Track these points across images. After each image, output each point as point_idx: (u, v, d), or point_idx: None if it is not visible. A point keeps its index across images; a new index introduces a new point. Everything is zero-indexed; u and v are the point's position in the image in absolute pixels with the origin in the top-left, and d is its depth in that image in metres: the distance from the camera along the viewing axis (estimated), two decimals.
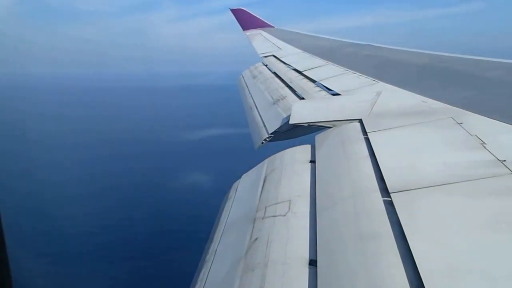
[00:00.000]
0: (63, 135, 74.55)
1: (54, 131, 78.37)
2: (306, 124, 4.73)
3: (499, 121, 3.52)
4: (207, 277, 2.75)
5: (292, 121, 4.88)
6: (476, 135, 3.25)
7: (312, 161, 3.75)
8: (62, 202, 40.85)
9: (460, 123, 3.58)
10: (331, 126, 4.49)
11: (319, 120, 4.64)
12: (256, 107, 7.50)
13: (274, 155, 4.19)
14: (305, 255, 2.41)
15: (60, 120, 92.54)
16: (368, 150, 3.43)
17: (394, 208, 2.41)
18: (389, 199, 2.54)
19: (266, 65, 11.06)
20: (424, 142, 3.45)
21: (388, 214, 2.41)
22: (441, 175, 2.72)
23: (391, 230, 2.25)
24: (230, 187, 4.21)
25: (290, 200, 3.09)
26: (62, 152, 61.97)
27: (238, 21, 18.71)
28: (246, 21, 18.61)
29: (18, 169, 49.06)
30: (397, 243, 2.13)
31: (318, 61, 9.15)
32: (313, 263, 2.32)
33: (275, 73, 9.58)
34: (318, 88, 6.85)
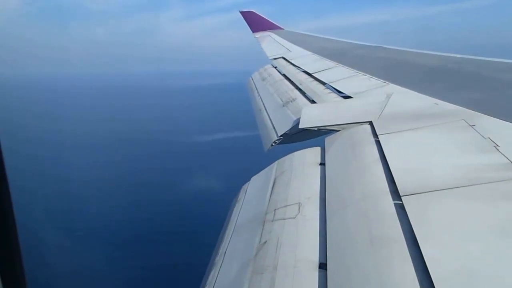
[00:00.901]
0: (73, 136, 75.48)
1: (65, 131, 79.46)
2: (316, 129, 4.71)
3: None
4: (216, 279, 2.76)
5: (302, 125, 4.86)
6: (489, 138, 3.20)
7: (322, 164, 3.73)
8: (72, 202, 41.42)
9: (472, 125, 3.53)
10: (341, 129, 4.46)
11: (329, 124, 4.62)
12: (266, 109, 7.51)
13: (283, 158, 4.18)
14: (315, 258, 2.40)
15: (71, 120, 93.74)
16: (379, 153, 3.40)
17: (405, 212, 2.38)
18: (400, 202, 2.51)
19: (275, 67, 11.07)
20: (435, 144, 3.41)
21: (399, 217, 2.39)
22: (453, 178, 2.68)
23: (402, 234, 2.22)
24: (239, 189, 4.22)
25: (299, 203, 3.08)
26: (72, 152, 62.74)
27: (248, 23, 18.78)
28: (256, 23, 18.67)
29: (31, 169, 49.83)
30: (408, 247, 2.11)
31: (328, 63, 9.12)
32: (322, 266, 2.31)
33: (284, 75, 9.58)
34: (328, 90, 6.82)
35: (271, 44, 15.02)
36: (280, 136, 5.64)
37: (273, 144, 5.61)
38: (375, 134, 3.87)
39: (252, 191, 3.97)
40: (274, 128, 6.16)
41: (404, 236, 2.20)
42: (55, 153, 61.16)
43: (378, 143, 3.64)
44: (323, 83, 7.35)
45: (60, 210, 39.28)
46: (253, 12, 19.50)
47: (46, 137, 72.96)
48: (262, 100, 8.45)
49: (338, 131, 4.45)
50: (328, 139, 4.26)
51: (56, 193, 44.00)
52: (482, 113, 3.81)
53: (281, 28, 18.37)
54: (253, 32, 18.18)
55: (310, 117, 5.07)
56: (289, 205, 3.12)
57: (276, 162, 4.17)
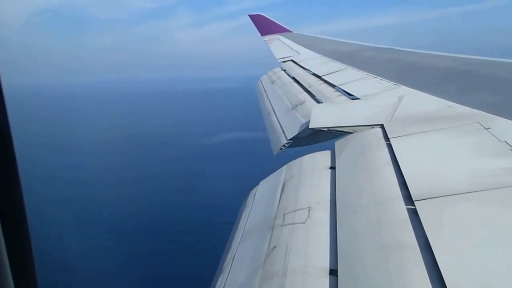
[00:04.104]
0: (85, 141, 76.53)
1: (77, 136, 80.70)
2: (325, 129, 4.65)
3: None
4: (224, 285, 2.72)
5: (311, 125, 4.81)
6: (505, 141, 3.11)
7: (332, 168, 3.68)
8: (84, 205, 42.00)
9: (487, 128, 3.44)
10: (351, 131, 4.41)
11: (339, 125, 4.56)
12: (275, 113, 7.48)
13: (292, 161, 4.14)
14: (325, 264, 2.36)
15: (83, 126, 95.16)
16: (390, 156, 3.34)
17: (419, 217, 2.33)
18: (413, 207, 2.46)
19: (284, 70, 11.04)
20: (449, 148, 3.33)
21: (412, 223, 2.34)
22: (468, 183, 2.61)
23: (415, 240, 2.18)
24: (248, 193, 4.19)
25: (309, 207, 3.04)
26: (85, 157, 63.61)
27: (256, 27, 18.81)
28: (265, 26, 18.68)
29: (45, 175, 50.69)
30: (422, 254, 2.06)
31: (338, 65, 9.05)
32: (333, 272, 2.27)
33: (293, 78, 9.54)
34: (338, 93, 6.76)
35: (280, 46, 15.01)
36: (290, 139, 5.60)
37: (282, 147, 5.57)
38: (386, 137, 3.81)
39: (261, 196, 3.94)
40: (283, 131, 6.12)
41: (417, 242, 2.16)
42: (68, 158, 62.13)
43: (389, 146, 3.58)
44: (333, 86, 7.29)
45: (72, 213, 39.83)
46: (262, 15, 19.53)
47: (59, 143, 74.26)
48: (271, 103, 8.42)
49: (348, 132, 4.39)
50: (338, 143, 4.21)
51: (69, 197, 44.68)
52: (497, 115, 3.72)
53: (290, 31, 18.35)
54: (262, 35, 18.19)
55: (320, 117, 5.01)
56: (298, 209, 3.07)
57: (285, 166, 4.13)
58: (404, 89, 5.67)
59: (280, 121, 6.75)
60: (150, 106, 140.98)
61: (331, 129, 4.61)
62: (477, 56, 7.08)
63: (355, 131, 4.37)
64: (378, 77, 6.87)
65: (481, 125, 3.55)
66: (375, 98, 5.60)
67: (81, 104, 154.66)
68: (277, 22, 19.07)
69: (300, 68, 10.19)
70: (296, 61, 11.19)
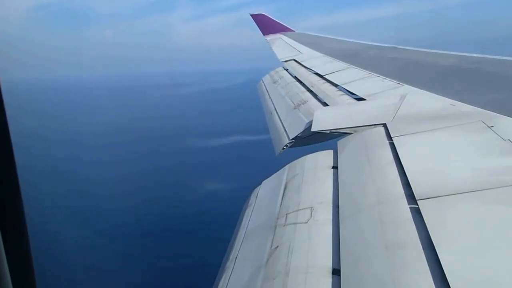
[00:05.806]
0: (85, 136, 76.67)
1: (77, 132, 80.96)
2: (328, 131, 4.65)
3: None
4: (227, 284, 2.73)
5: (314, 128, 4.82)
6: (508, 139, 3.09)
7: (335, 167, 3.67)
8: (85, 201, 42.15)
9: (491, 127, 3.42)
10: (354, 132, 4.39)
11: (342, 127, 4.56)
12: (277, 112, 7.47)
13: (295, 161, 4.14)
14: (328, 264, 2.36)
15: (83, 121, 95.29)
16: (393, 155, 3.33)
17: (422, 216, 2.33)
18: (416, 206, 2.46)
19: (286, 70, 11.03)
20: (452, 146, 3.32)
21: (415, 222, 2.33)
22: (472, 182, 2.60)
23: (418, 239, 2.17)
24: (250, 193, 4.19)
25: (312, 207, 3.03)
26: (85, 152, 63.73)
27: (258, 26, 18.80)
28: (266, 26, 18.67)
29: (44, 170, 50.83)
30: (425, 253, 2.06)
31: (340, 64, 9.03)
32: (336, 272, 2.26)
33: (296, 78, 9.53)
34: (341, 92, 6.74)
35: (282, 46, 15.00)
36: (292, 139, 5.60)
37: (285, 147, 5.56)
38: (389, 137, 3.80)
39: (263, 195, 3.94)
40: (285, 131, 6.12)
41: (420, 241, 2.15)
42: (68, 154, 62.34)
43: (392, 145, 3.56)
44: (335, 85, 7.28)
45: (72, 209, 39.95)
46: (263, 15, 19.51)
47: (58, 138, 74.50)
48: (273, 103, 8.41)
49: (351, 134, 4.38)
50: (340, 142, 4.20)
51: (68, 192, 44.78)
52: (501, 114, 3.69)
53: (292, 30, 18.33)
54: (264, 35, 18.18)
55: (323, 120, 5.02)
56: (301, 209, 3.07)
57: (287, 165, 4.13)
58: (407, 88, 5.65)
59: (282, 121, 6.75)
60: (151, 101, 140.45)
61: (333, 131, 4.61)
62: (480, 54, 7.04)
63: (358, 132, 4.36)
64: (381, 76, 6.85)
65: (485, 123, 3.53)
66: (378, 98, 5.58)
67: (81, 99, 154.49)
68: (279, 21, 19.05)
69: (302, 68, 10.17)
70: (298, 61, 11.18)
